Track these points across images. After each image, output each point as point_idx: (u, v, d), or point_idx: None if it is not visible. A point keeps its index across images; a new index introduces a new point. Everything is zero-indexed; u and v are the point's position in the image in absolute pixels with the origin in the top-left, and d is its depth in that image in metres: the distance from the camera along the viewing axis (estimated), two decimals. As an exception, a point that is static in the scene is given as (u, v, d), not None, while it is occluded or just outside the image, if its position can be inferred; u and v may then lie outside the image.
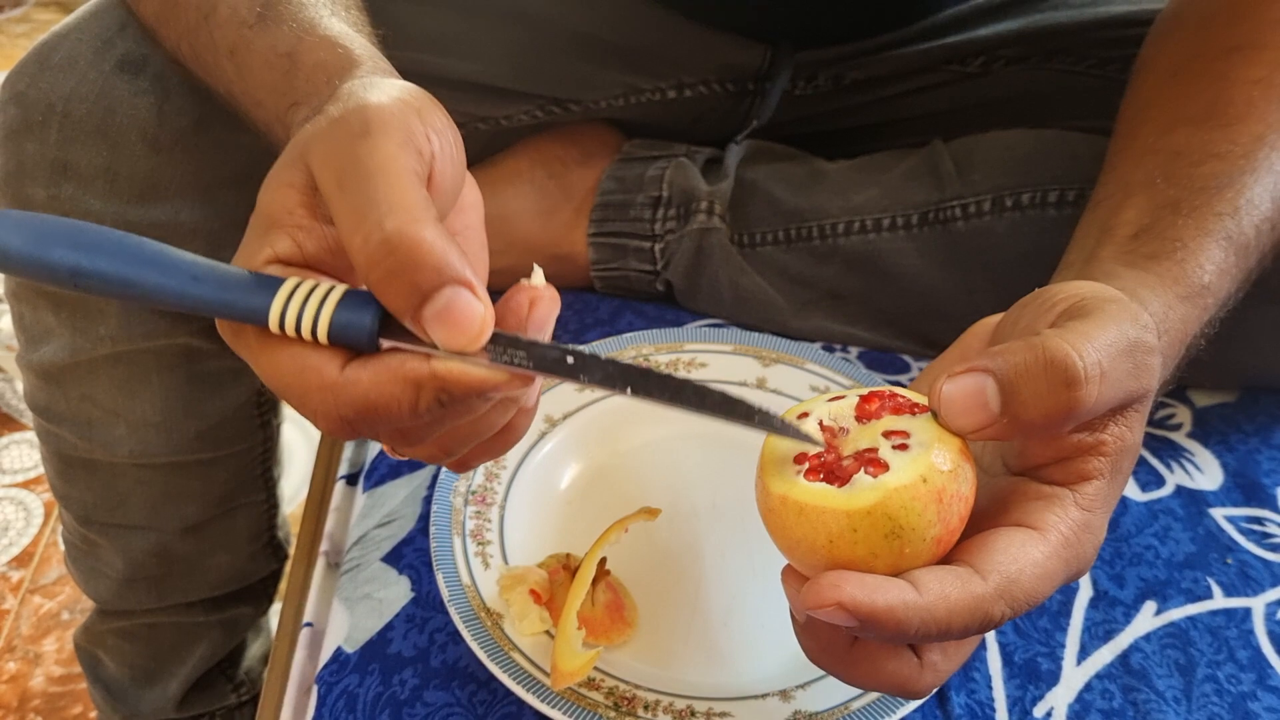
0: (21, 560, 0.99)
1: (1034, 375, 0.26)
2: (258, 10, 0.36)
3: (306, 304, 0.25)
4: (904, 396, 0.28)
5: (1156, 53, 0.45)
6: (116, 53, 0.48)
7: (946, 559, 0.27)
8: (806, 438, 0.27)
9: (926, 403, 0.28)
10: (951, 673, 0.30)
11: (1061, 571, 0.28)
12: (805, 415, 0.28)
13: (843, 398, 0.29)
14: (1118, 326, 0.28)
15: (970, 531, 0.28)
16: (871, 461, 0.26)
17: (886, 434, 0.27)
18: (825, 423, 0.28)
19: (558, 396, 0.50)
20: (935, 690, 0.31)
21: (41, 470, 1.07)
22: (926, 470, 0.26)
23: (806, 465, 0.27)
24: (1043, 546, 0.27)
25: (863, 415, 0.28)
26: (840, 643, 0.29)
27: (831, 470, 0.26)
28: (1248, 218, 0.37)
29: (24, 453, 1.10)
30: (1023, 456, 0.30)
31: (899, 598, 0.25)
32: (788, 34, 0.59)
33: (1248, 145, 0.38)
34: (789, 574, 0.28)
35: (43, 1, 2.07)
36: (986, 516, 0.29)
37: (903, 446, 0.27)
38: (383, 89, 0.28)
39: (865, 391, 0.29)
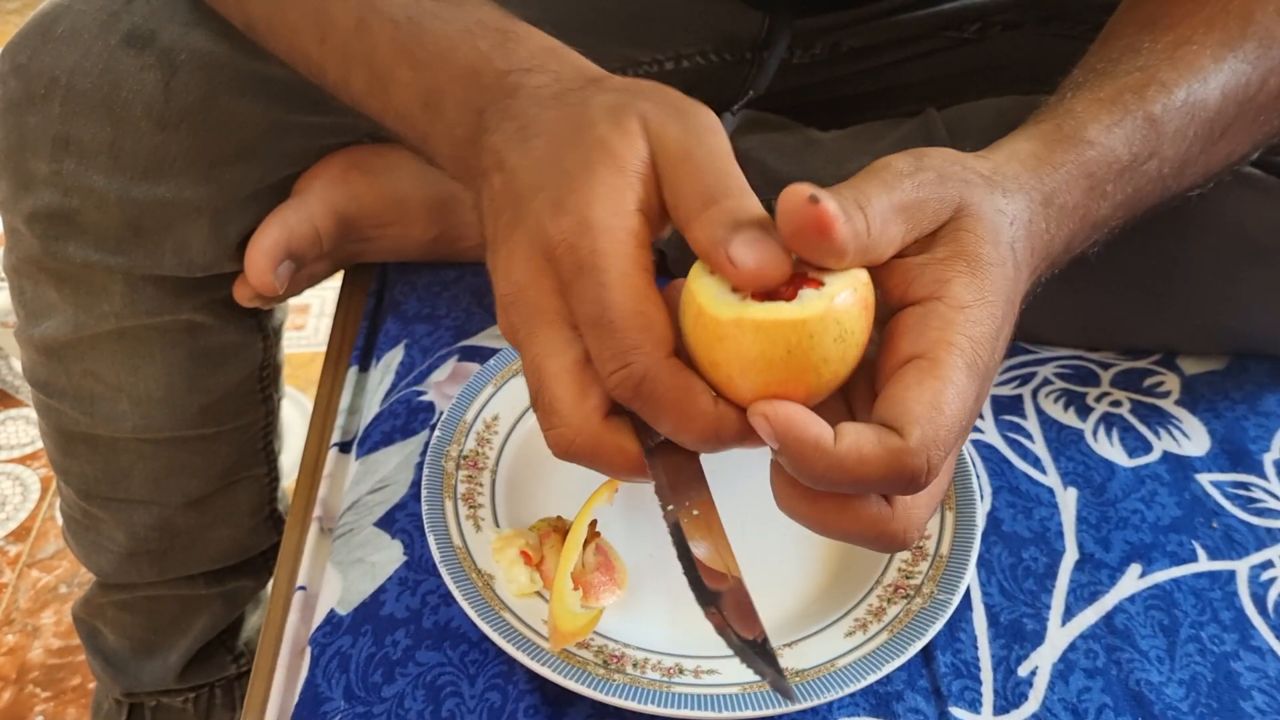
0: (19, 535, 1.00)
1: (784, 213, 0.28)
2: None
3: None
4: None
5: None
6: (123, 26, 0.47)
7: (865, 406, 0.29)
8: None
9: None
10: (928, 513, 0.30)
11: (970, 383, 0.28)
12: None
13: None
14: (888, 171, 0.29)
15: (866, 384, 0.29)
16: (809, 281, 0.28)
17: (803, 263, 0.29)
18: None
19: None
20: (914, 543, 0.30)
21: (38, 446, 1.08)
22: (853, 282, 0.28)
23: (748, 293, 0.28)
24: (939, 370, 0.27)
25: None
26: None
27: (772, 295, 0.28)
28: (1152, 95, 0.36)
29: (20, 428, 1.11)
30: (884, 299, 0.30)
31: (815, 436, 0.26)
32: (785, 1, 0.59)
33: (1170, 45, 0.38)
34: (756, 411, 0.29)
35: (36, -20, 2.06)
36: (880, 365, 0.29)
37: (825, 269, 0.28)
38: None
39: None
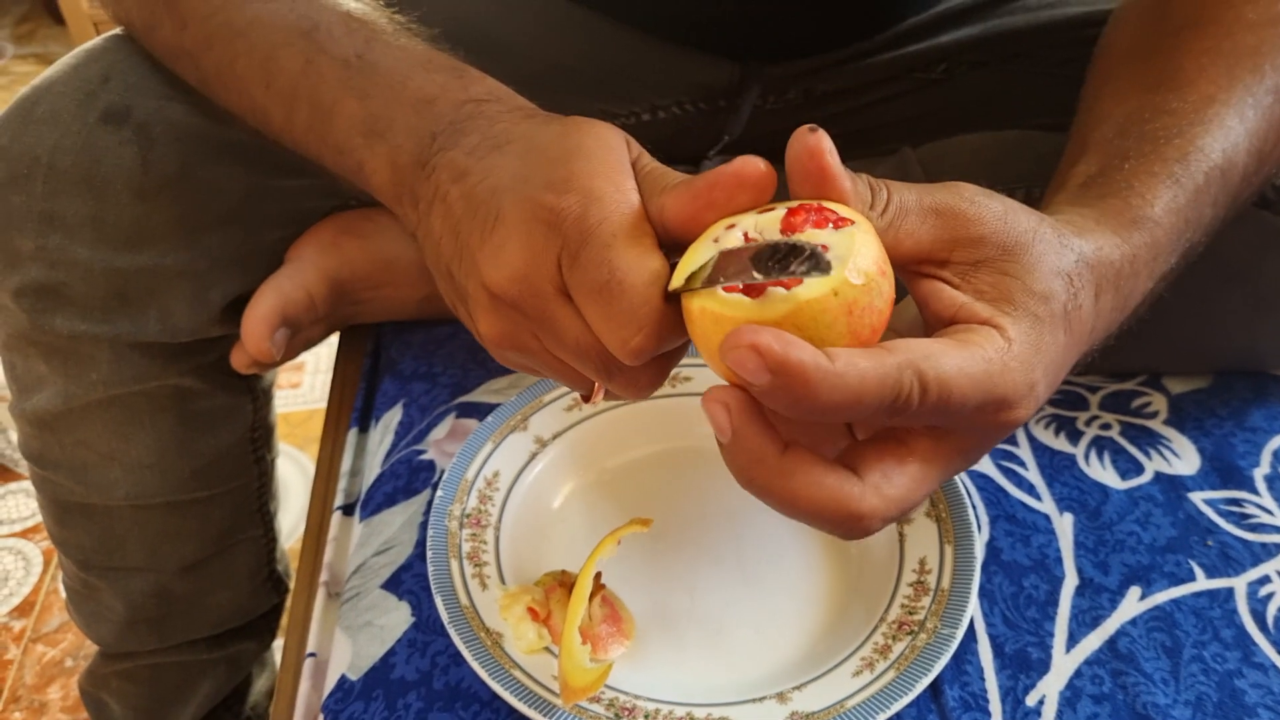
0: (23, 610, 0.99)
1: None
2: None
3: None
4: (832, 210, 0.28)
5: (1115, 36, 0.46)
6: (100, 104, 0.48)
7: None
8: None
9: (853, 218, 0.28)
10: (898, 507, 0.28)
11: (982, 374, 0.27)
12: (732, 226, 0.29)
13: (773, 209, 0.29)
14: (943, 186, 0.30)
15: None
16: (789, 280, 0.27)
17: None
18: (750, 234, 0.29)
19: (546, 418, 0.51)
20: (883, 529, 0.29)
21: (39, 519, 1.07)
22: (839, 284, 0.26)
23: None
24: (961, 349, 0.27)
25: (787, 229, 0.28)
26: (771, 451, 0.27)
27: (750, 285, 0.27)
28: (1196, 164, 0.37)
29: (21, 502, 1.11)
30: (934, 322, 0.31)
31: (813, 357, 0.25)
32: (756, 50, 0.60)
33: (1197, 103, 0.39)
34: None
35: (21, 55, 2.09)
36: None
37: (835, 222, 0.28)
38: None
39: (795, 205, 0.29)
